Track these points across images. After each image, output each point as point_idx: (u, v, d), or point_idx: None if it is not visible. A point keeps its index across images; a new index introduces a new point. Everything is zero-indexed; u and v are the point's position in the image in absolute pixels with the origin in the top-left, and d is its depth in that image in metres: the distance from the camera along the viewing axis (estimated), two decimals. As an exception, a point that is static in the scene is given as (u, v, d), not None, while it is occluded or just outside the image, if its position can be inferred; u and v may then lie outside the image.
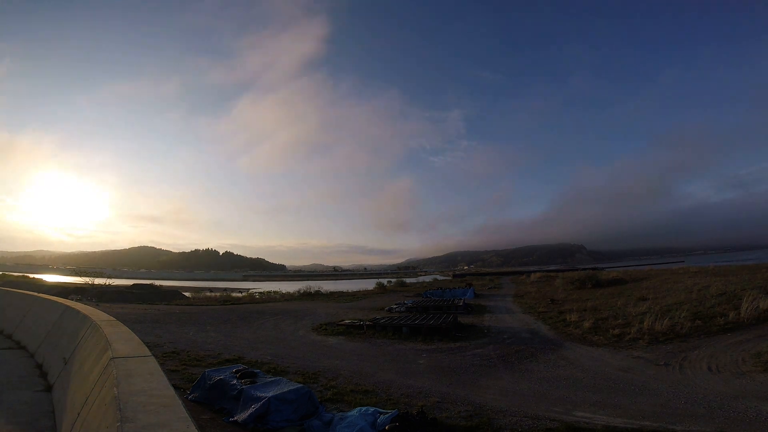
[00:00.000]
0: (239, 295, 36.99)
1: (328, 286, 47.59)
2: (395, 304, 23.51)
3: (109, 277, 47.62)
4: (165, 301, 29.56)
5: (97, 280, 42.41)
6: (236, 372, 6.99)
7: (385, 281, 47.91)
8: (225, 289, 50.73)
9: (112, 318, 5.59)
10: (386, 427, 5.49)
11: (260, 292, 41.78)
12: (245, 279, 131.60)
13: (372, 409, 6.09)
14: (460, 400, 7.36)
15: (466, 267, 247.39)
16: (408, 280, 65.25)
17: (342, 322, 16.60)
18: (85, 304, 13.59)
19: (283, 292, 38.17)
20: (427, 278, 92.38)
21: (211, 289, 49.27)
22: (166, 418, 2.02)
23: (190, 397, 6.83)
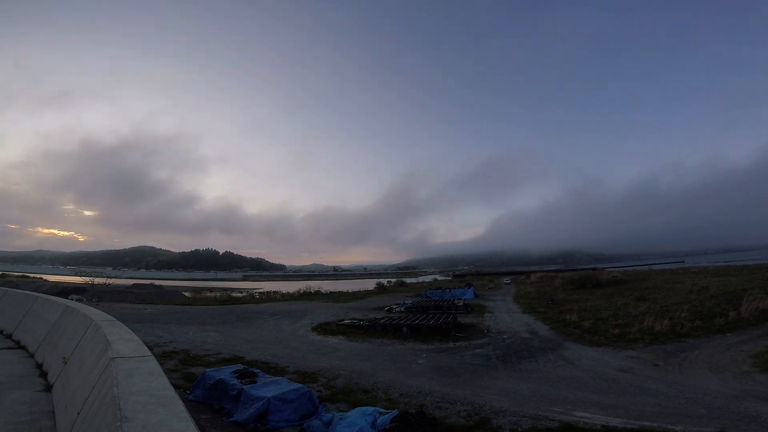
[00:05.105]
0: (239, 295, 37.01)
1: (328, 286, 47.65)
2: (395, 304, 23.53)
3: (109, 277, 47.70)
4: (165, 301, 29.58)
5: (97, 280, 42.51)
6: (236, 372, 6.99)
7: (385, 281, 47.97)
8: (225, 289, 50.70)
9: (112, 318, 5.59)
10: (386, 427, 5.49)
11: (260, 292, 41.79)
12: (245, 279, 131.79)
13: (372, 409, 6.09)
14: (460, 399, 7.36)
15: (466, 267, 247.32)
16: (408, 280, 65.33)
17: (342, 322, 16.60)
18: (85, 303, 13.61)
19: (283, 292, 38.17)
20: (427, 278, 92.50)
21: (211, 289, 49.24)
22: (166, 418, 2.02)
23: (190, 397, 6.83)
